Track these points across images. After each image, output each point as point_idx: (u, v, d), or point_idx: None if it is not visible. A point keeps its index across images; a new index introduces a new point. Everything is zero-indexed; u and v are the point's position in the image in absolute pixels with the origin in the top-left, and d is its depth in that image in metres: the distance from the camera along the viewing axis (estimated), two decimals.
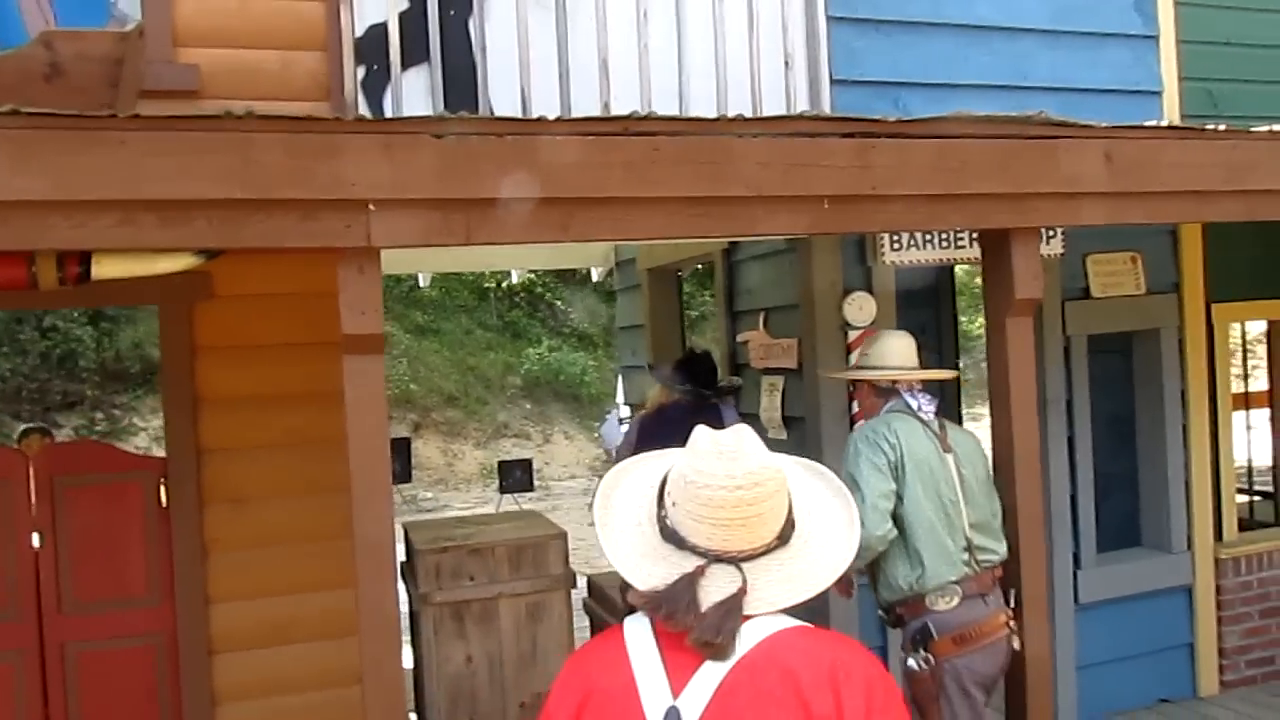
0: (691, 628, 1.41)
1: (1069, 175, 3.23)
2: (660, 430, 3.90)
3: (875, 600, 3.55)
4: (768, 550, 1.50)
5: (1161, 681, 5.29)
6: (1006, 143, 3.16)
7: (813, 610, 4.63)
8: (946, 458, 3.42)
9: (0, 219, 2.34)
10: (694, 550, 1.48)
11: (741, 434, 1.54)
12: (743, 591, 1.45)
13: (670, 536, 1.51)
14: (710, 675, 1.42)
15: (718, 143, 2.81)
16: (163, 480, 3.75)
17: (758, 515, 1.48)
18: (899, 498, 3.31)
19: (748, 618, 1.45)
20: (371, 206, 2.55)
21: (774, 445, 4.75)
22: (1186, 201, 3.48)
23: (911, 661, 3.29)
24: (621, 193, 2.72)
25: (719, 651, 1.41)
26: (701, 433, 1.55)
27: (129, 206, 2.40)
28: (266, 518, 3.80)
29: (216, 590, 3.78)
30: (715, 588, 1.45)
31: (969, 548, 3.32)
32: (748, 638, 1.44)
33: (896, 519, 3.30)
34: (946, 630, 3.27)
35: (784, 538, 1.52)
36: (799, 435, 4.71)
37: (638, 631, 1.50)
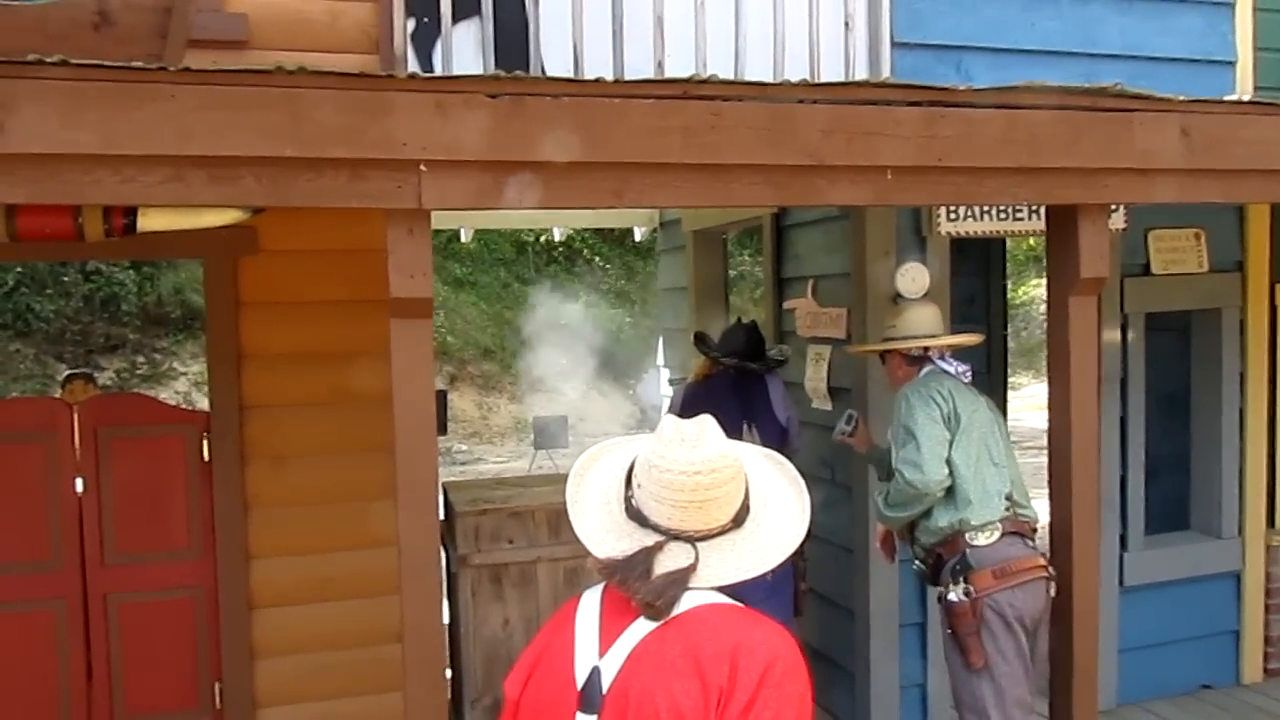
0: (638, 592, 1.56)
1: (1143, 150, 3.09)
2: (705, 400, 3.84)
3: (912, 552, 3.57)
4: (722, 531, 1.63)
5: (1205, 668, 5.20)
6: (1079, 115, 3.03)
7: (853, 571, 4.59)
8: (991, 414, 3.60)
9: (49, 172, 2.30)
10: (655, 528, 1.62)
11: (705, 423, 1.67)
12: (692, 566, 1.59)
13: (634, 515, 1.65)
14: (628, 639, 1.57)
15: (780, 109, 2.71)
16: (206, 434, 3.74)
17: (714, 499, 1.62)
18: (950, 446, 3.42)
19: (691, 589, 1.59)
20: (423, 167, 2.48)
21: (819, 415, 4.70)
22: (1265, 180, 3.33)
23: (952, 595, 3.37)
24: (679, 159, 2.63)
25: (657, 613, 1.55)
26: (668, 421, 1.69)
27: (178, 162, 2.34)
28: (307, 475, 3.80)
29: (257, 545, 3.79)
30: (670, 561, 1.59)
31: (1009, 496, 3.46)
32: (678, 609, 1.58)
33: (947, 464, 3.40)
34: (986, 564, 3.36)
35: (738, 520, 1.65)
36: (844, 406, 4.62)
37: (589, 600, 1.66)
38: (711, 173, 2.68)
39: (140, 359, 14.00)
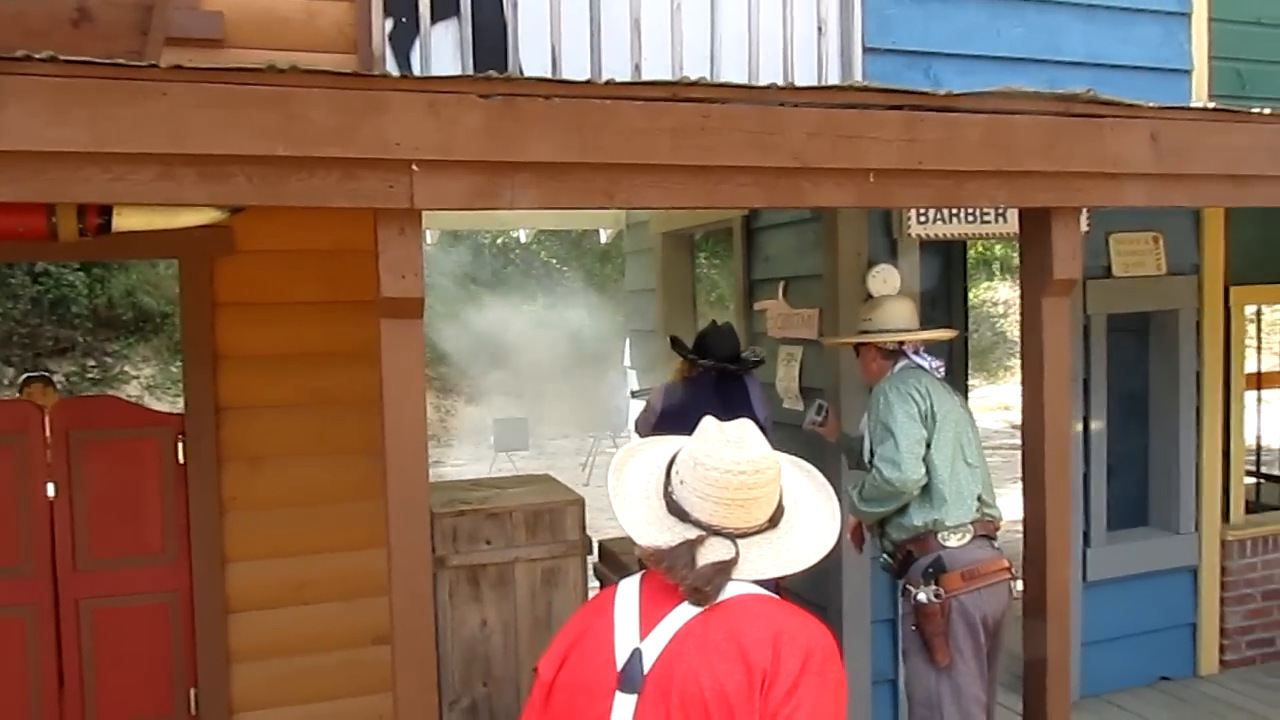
0: (686, 579, 1.62)
1: (1114, 155, 3.17)
2: (684, 400, 3.87)
3: (880, 546, 3.63)
4: (759, 531, 1.70)
5: (1163, 660, 5.33)
6: (1054, 120, 3.10)
7: (825, 569, 4.68)
8: (964, 413, 3.67)
9: (35, 170, 2.27)
10: (696, 524, 1.68)
11: (746, 426, 1.74)
12: (735, 559, 1.66)
13: (675, 510, 1.71)
14: (671, 623, 1.62)
15: (767, 111, 2.74)
16: (180, 437, 3.69)
17: (755, 499, 1.68)
18: (927, 444, 3.48)
19: (731, 580, 1.66)
20: (415, 167, 2.47)
21: (790, 415, 4.75)
22: (1227, 185, 3.43)
23: (922, 595, 3.42)
24: (669, 160, 2.65)
25: (704, 598, 1.61)
26: (710, 422, 1.75)
27: (169, 160, 2.32)
28: (284, 477, 3.77)
29: (233, 549, 3.75)
30: (712, 554, 1.65)
31: (979, 496, 3.54)
32: (720, 597, 1.65)
33: (924, 463, 3.46)
34: (956, 566, 3.43)
35: (774, 521, 1.73)
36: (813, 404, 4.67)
37: (627, 587, 1.72)
38: (701, 174, 2.71)
39: (90, 362, 13.72)
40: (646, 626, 1.63)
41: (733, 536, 1.67)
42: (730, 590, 1.64)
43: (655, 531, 1.69)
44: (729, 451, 1.67)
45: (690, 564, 1.63)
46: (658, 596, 1.66)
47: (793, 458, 1.91)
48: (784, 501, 1.75)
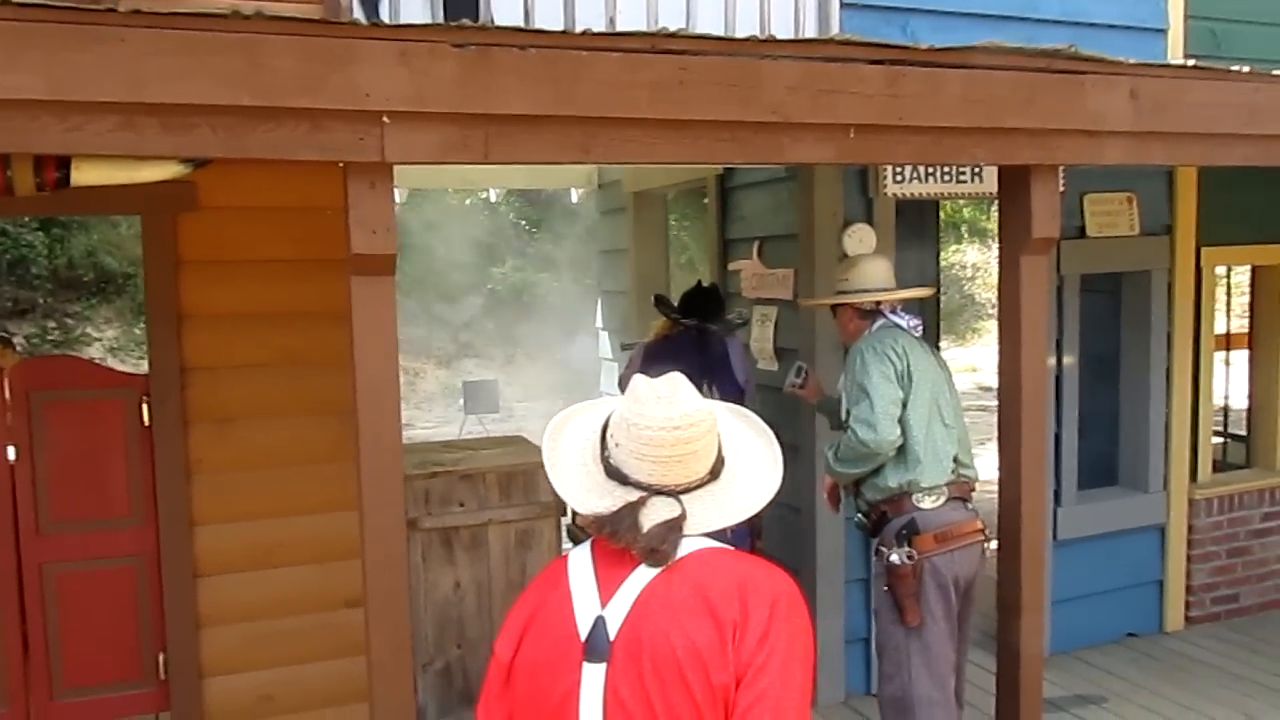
0: (635, 542, 1.59)
1: (1094, 112, 3.14)
2: (668, 357, 3.82)
3: (855, 505, 3.62)
4: (701, 484, 1.66)
5: (1130, 617, 5.41)
6: (1034, 76, 3.06)
7: (800, 529, 4.63)
8: (942, 372, 3.63)
9: None
10: (636, 485, 1.64)
11: (676, 380, 1.69)
12: (683, 515, 1.62)
13: (614, 474, 1.67)
14: (632, 587, 1.58)
15: (746, 65, 2.69)
16: (145, 398, 3.61)
17: (692, 453, 1.65)
18: (903, 405, 3.45)
19: (684, 536, 1.62)
20: (386, 119, 2.40)
21: (765, 376, 4.73)
22: (1206, 144, 3.42)
23: (895, 556, 3.42)
24: (647, 114, 2.59)
25: (662, 558, 1.58)
26: (639, 380, 1.71)
27: (129, 109, 2.23)
28: (252, 439, 3.70)
29: (201, 512, 3.68)
30: (656, 514, 1.62)
31: (955, 457, 3.52)
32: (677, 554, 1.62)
33: (900, 424, 3.44)
34: (930, 528, 3.43)
35: (715, 473, 1.69)
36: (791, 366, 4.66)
37: (578, 556, 1.68)
38: (679, 128, 2.65)
39: (51, 324, 13.48)
40: (606, 593, 1.60)
41: (674, 493, 1.64)
42: (686, 546, 1.62)
43: (595, 499, 1.66)
44: (660, 408, 1.63)
45: (634, 527, 1.60)
46: (613, 561, 1.62)
47: (727, 404, 1.88)
48: (723, 452, 1.72)
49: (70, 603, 3.60)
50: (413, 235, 18.37)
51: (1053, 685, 4.58)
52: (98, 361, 12.51)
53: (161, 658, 3.71)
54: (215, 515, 3.69)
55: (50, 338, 13.24)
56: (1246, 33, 5.28)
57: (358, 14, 3.66)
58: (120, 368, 12.17)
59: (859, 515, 3.67)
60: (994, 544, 3.44)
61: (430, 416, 15.78)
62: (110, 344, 13.35)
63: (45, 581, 3.58)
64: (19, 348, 12.46)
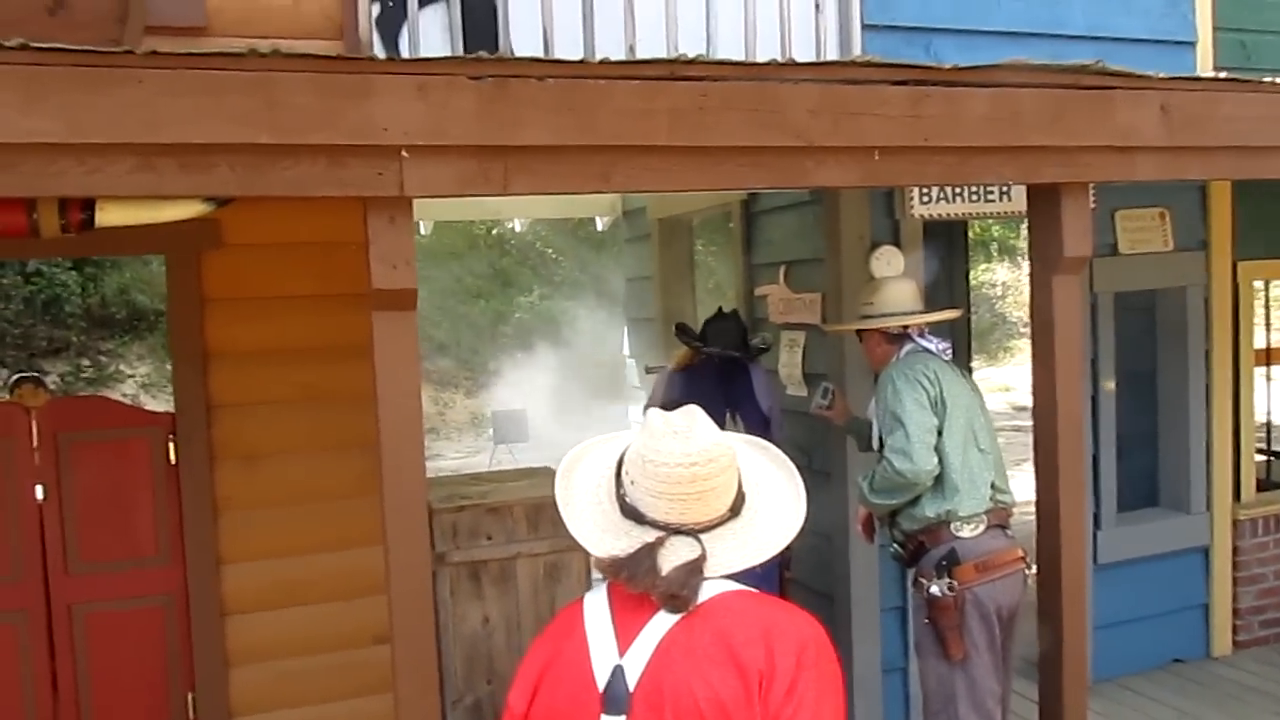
0: (654, 586, 1.51)
1: (1124, 128, 3.08)
2: (689, 387, 3.79)
3: (890, 536, 3.55)
4: (721, 522, 1.59)
5: (1175, 642, 5.27)
6: (1061, 93, 3.01)
7: (833, 557, 4.55)
8: (975, 396, 3.56)
9: (8, 163, 2.17)
10: (653, 524, 1.57)
11: (693, 414, 1.63)
12: (703, 556, 1.55)
13: (630, 513, 1.60)
14: (651, 635, 1.52)
15: (766, 89, 2.65)
16: (171, 436, 3.61)
17: (712, 489, 1.58)
18: (938, 432, 3.37)
19: (705, 579, 1.56)
20: (404, 153, 2.38)
21: (794, 401, 4.67)
22: (1240, 157, 3.34)
23: (935, 588, 3.33)
24: (667, 141, 2.56)
25: (683, 604, 1.51)
26: (655, 414, 1.64)
27: (146, 150, 2.23)
28: (279, 475, 3.69)
29: (228, 550, 3.67)
30: (675, 555, 1.55)
31: (992, 484, 3.43)
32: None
33: (935, 452, 3.36)
34: (970, 557, 3.34)
35: (735, 510, 1.62)
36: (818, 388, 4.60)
37: (594, 601, 1.61)
38: (700, 155, 2.62)
39: (85, 362, 13.63)
40: (624, 641, 1.53)
41: (694, 533, 1.57)
42: (707, 590, 1.54)
43: (611, 539, 1.59)
44: (677, 444, 1.57)
45: (653, 570, 1.52)
46: (631, 606, 1.55)
47: (747, 436, 1.82)
48: (744, 487, 1.65)
49: (99, 643, 3.59)
50: (439, 266, 18.48)
51: (1098, 716, 4.46)
52: (129, 399, 12.66)
53: (191, 697, 3.68)
54: (242, 553, 3.68)
55: (84, 375, 13.39)
56: (1277, 44, 5.19)
57: (378, 50, 3.68)
58: (153, 404, 12.31)
59: (894, 545, 3.59)
60: (1034, 570, 3.35)
61: (460, 446, 15.79)
62: (143, 380, 13.48)
63: (74, 621, 3.57)
64: (53, 386, 12.61)
